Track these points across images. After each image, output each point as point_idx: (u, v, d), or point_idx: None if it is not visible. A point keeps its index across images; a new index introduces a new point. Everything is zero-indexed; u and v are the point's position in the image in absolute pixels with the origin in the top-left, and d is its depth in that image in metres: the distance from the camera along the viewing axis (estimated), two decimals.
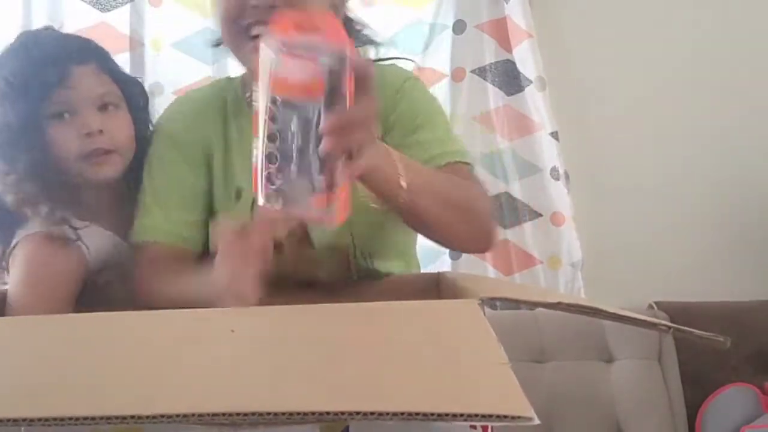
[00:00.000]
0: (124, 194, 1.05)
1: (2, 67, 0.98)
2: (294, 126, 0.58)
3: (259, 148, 0.59)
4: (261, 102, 0.59)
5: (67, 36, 1.06)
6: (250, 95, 0.94)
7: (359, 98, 0.61)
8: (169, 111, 1.05)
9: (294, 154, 0.58)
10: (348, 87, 0.59)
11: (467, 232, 0.85)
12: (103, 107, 0.99)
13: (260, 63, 0.59)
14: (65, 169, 0.98)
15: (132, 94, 1.05)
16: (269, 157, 0.59)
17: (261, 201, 0.60)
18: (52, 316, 0.63)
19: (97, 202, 1.05)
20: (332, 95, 0.58)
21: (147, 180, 0.98)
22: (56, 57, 0.98)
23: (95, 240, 1.01)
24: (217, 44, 0.97)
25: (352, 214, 0.72)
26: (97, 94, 0.99)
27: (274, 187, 0.59)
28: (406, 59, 1.07)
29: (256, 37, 0.80)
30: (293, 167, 0.59)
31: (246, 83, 0.98)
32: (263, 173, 0.59)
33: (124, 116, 1.02)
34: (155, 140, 1.01)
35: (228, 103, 0.99)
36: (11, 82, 0.97)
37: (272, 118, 0.58)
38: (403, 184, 0.72)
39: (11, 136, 0.98)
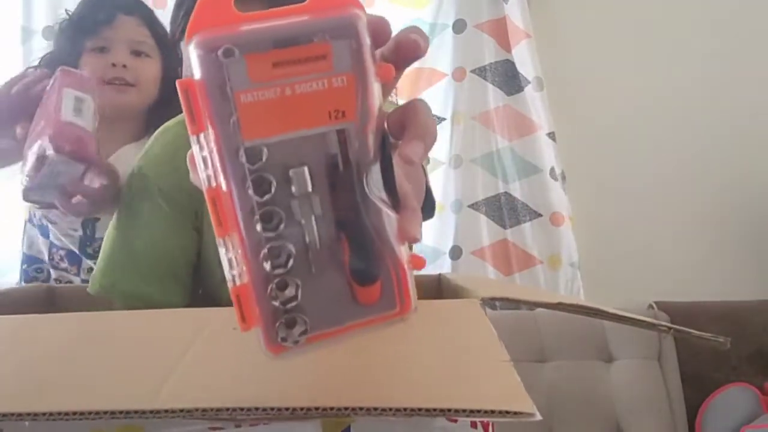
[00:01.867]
0: (122, 133, 1.22)
1: (72, 5, 1.24)
2: (301, 185, 0.31)
3: (240, 254, 0.32)
4: (219, 168, 0.31)
5: None
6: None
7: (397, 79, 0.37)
8: (156, 143, 0.84)
9: (311, 237, 0.32)
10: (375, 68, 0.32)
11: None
12: (137, 52, 1.20)
13: (200, 92, 0.30)
14: None
15: (168, 52, 1.23)
16: (276, 257, 0.32)
17: (268, 342, 0.34)
18: (55, 315, 0.63)
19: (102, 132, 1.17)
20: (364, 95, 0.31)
21: (119, 231, 0.82)
22: (109, 3, 1.21)
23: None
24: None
25: None
26: (132, 39, 1.19)
27: (293, 305, 0.33)
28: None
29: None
30: (312, 258, 0.32)
31: None
32: (263, 292, 0.32)
33: (153, 64, 1.22)
34: (133, 183, 0.83)
35: None
36: (70, 17, 1.23)
37: (259, 187, 0.31)
38: None
39: (61, 60, 1.15)
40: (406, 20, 1.96)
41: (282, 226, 0.31)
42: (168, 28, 1.01)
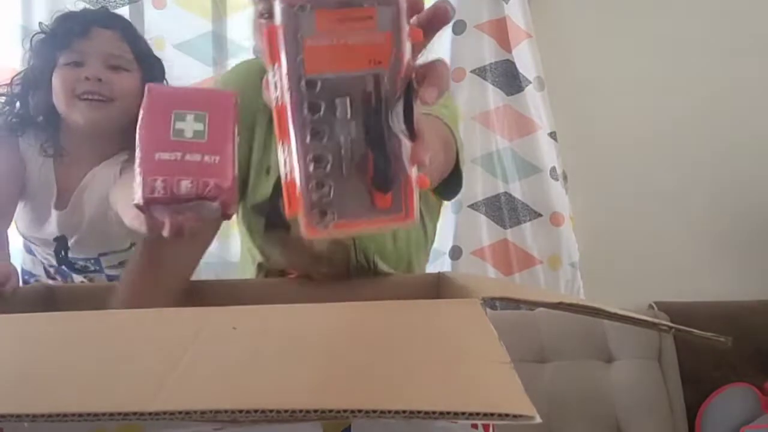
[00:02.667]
0: (98, 150, 1.16)
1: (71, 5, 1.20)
2: (342, 111, 0.42)
3: (293, 156, 0.43)
4: (286, 91, 0.42)
5: (104, 6, 1.25)
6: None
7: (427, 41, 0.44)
8: (231, 73, 1.06)
9: (346, 150, 0.42)
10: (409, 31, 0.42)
11: (446, 168, 0.84)
12: (114, 67, 1.11)
13: (279, 35, 0.41)
14: (60, 108, 1.12)
15: (149, 67, 1.16)
16: (318, 162, 0.42)
17: (306, 225, 0.43)
18: (55, 315, 0.63)
19: (79, 149, 1.15)
20: (398, 53, 0.41)
21: None
22: (86, 16, 1.15)
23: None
24: None
25: None
26: (110, 53, 1.11)
27: (327, 200, 0.43)
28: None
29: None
30: (345, 167, 0.43)
31: None
32: (306, 186, 0.42)
33: (131, 78, 1.12)
34: None
35: None
36: (44, 30, 1.14)
37: (312, 109, 0.41)
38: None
39: (33, 77, 1.13)
40: None
41: (325, 139, 0.42)
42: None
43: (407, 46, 0.41)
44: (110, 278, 1.24)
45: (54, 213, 1.17)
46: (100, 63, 1.10)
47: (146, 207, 0.61)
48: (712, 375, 1.80)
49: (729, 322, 1.80)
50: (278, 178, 0.96)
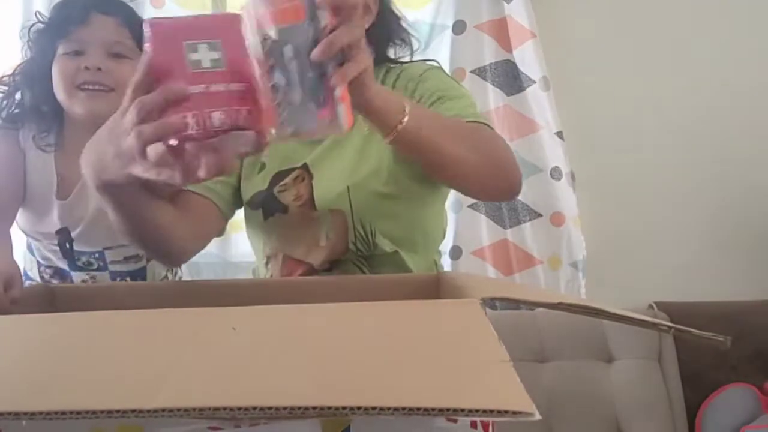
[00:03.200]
0: None
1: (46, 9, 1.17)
2: (288, 53, 0.61)
3: (263, 86, 0.61)
4: (252, 46, 0.61)
5: None
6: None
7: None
8: None
9: (294, 79, 0.61)
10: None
11: (484, 169, 0.86)
12: (116, 55, 1.09)
13: (245, 12, 0.61)
14: (61, 98, 1.11)
15: None
16: (273, 89, 0.61)
17: (273, 133, 0.62)
18: (54, 315, 0.63)
19: (81, 140, 1.13)
20: (313, 14, 0.62)
21: None
22: (85, 2, 1.10)
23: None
24: None
25: (350, 181, 0.91)
26: (110, 41, 1.09)
27: (283, 115, 0.61)
28: (433, 60, 1.08)
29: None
30: (296, 92, 0.61)
31: None
32: (271, 106, 0.61)
33: (133, 66, 1.09)
34: None
35: None
36: (42, 19, 1.12)
37: (267, 54, 0.61)
38: (406, 107, 0.73)
39: (33, 68, 1.12)
40: None
41: (277, 74, 0.61)
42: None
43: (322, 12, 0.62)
44: (113, 276, 1.23)
45: (56, 204, 1.16)
46: (101, 51, 1.09)
47: (180, 146, 0.60)
48: (712, 375, 1.80)
49: (729, 322, 1.80)
50: (275, 174, 0.98)
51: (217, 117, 0.60)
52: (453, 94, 0.94)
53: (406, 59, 1.05)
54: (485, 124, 0.92)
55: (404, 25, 1.06)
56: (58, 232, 1.18)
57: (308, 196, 0.96)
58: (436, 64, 1.04)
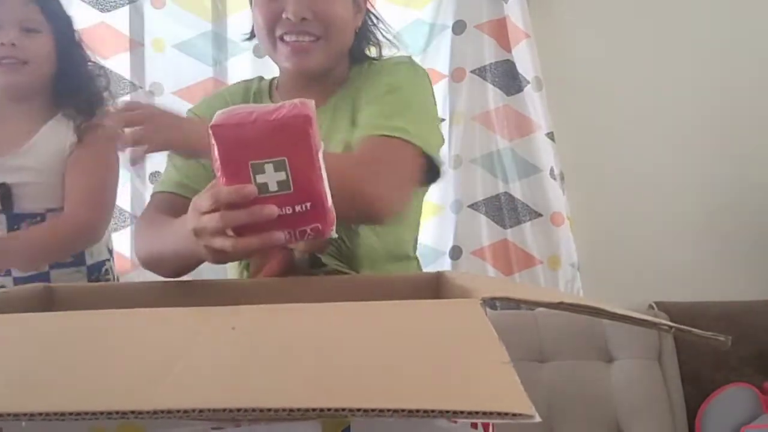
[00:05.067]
0: (34, 112, 1.26)
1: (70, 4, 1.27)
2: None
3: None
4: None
5: None
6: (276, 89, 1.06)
7: None
8: (202, 102, 1.09)
9: None
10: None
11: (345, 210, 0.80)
12: (27, 30, 1.21)
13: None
14: None
15: (58, 25, 1.26)
16: None
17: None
18: (54, 314, 0.63)
19: (14, 120, 1.24)
20: None
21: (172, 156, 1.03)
22: None
23: None
24: (250, 38, 1.06)
25: None
26: (19, 17, 1.21)
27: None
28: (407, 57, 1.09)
29: (287, 43, 0.93)
30: None
31: (277, 84, 1.07)
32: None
33: (44, 39, 1.23)
34: None
35: (252, 95, 1.06)
36: None
37: None
38: None
39: None
40: (406, 20, 1.96)
41: None
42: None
43: None
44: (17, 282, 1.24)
45: None
46: (14, 27, 1.20)
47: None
48: (712, 375, 1.80)
49: (729, 322, 1.80)
50: None
51: (279, 236, 0.64)
52: (400, 92, 0.95)
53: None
54: (400, 138, 0.89)
55: (379, 25, 1.07)
56: None
57: None
58: (406, 59, 1.04)
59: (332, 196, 0.69)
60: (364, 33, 1.04)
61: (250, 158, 0.62)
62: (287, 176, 0.62)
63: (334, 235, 0.68)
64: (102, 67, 1.35)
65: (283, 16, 0.92)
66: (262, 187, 0.63)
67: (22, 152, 1.23)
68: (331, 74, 1.01)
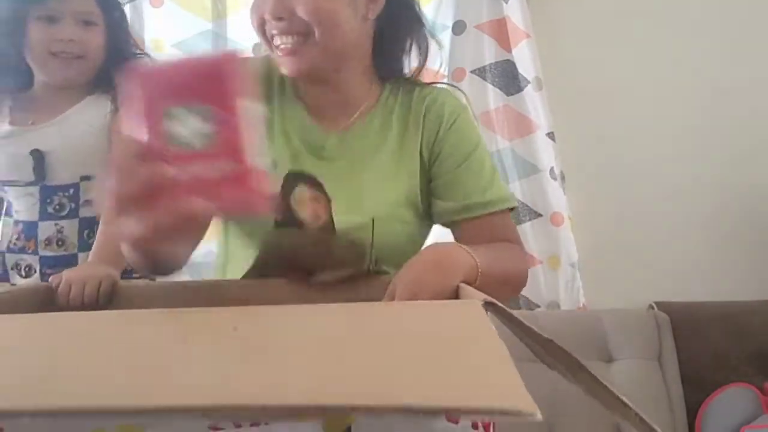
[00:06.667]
0: (75, 92, 1.29)
1: None
2: None
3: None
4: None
5: None
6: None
7: None
8: None
9: None
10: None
11: (508, 294, 0.94)
12: (84, 22, 1.25)
13: None
14: (34, 62, 1.26)
15: (113, 15, 1.30)
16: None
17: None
18: (54, 314, 0.63)
19: (54, 103, 1.28)
20: None
21: None
22: None
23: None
24: None
25: (376, 211, 0.88)
26: (79, 11, 1.25)
27: None
28: (456, 87, 1.10)
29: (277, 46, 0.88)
30: None
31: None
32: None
33: (98, 32, 1.27)
34: None
35: (275, 80, 0.98)
36: None
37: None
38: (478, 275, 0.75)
39: (4, 29, 1.24)
40: None
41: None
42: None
43: None
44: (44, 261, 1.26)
45: (29, 128, 1.27)
46: (72, 21, 1.24)
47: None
48: (712, 375, 1.79)
49: (729, 322, 1.80)
50: (287, 174, 0.94)
51: (203, 206, 0.49)
52: (477, 157, 0.95)
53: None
54: (502, 209, 0.95)
55: (423, 23, 1.00)
56: (32, 152, 1.25)
57: (326, 218, 0.90)
58: (463, 100, 1.01)
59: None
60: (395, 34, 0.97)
61: (167, 103, 0.49)
62: (211, 129, 0.49)
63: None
64: (147, 56, 1.41)
65: (264, 16, 0.87)
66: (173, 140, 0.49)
67: (57, 121, 1.27)
68: (350, 85, 0.95)
